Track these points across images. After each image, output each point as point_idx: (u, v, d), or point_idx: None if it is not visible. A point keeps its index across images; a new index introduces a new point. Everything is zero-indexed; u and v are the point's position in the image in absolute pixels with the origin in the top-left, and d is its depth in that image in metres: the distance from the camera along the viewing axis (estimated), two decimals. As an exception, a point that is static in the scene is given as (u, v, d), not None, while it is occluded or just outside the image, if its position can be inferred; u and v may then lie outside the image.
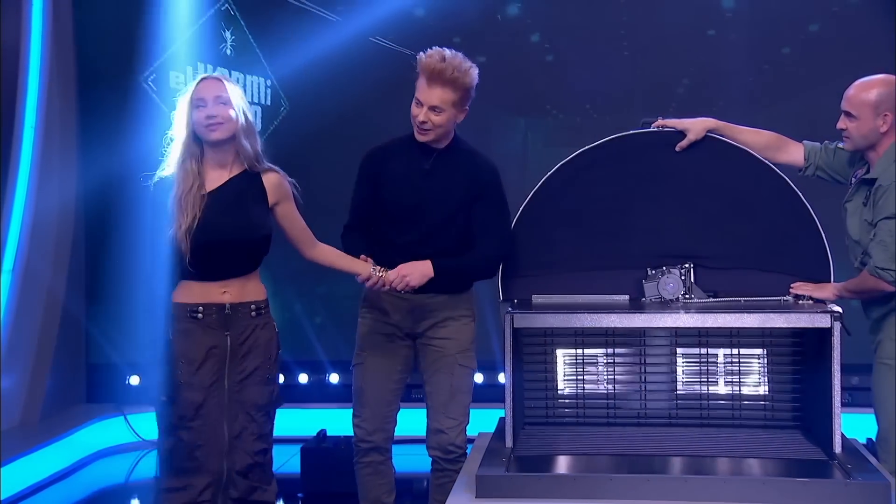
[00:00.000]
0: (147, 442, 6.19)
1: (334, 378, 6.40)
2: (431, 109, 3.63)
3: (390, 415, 3.87)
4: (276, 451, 4.37)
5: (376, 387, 3.83)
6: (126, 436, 6.26)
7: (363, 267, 3.62)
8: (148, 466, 5.94)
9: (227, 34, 6.32)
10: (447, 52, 3.65)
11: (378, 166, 3.77)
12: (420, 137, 3.70)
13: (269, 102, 6.42)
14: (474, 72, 3.68)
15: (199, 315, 3.41)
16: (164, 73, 6.18)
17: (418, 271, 3.61)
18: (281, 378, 6.31)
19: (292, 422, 6.10)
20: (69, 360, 6.24)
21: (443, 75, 3.59)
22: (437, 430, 3.82)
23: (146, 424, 6.24)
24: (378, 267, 3.61)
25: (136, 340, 5.88)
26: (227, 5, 6.33)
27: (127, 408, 6.32)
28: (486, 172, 3.77)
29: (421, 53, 3.66)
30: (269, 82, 6.41)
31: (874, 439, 3.72)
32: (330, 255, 3.66)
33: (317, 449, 5.35)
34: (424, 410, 3.97)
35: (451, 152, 3.76)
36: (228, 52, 6.31)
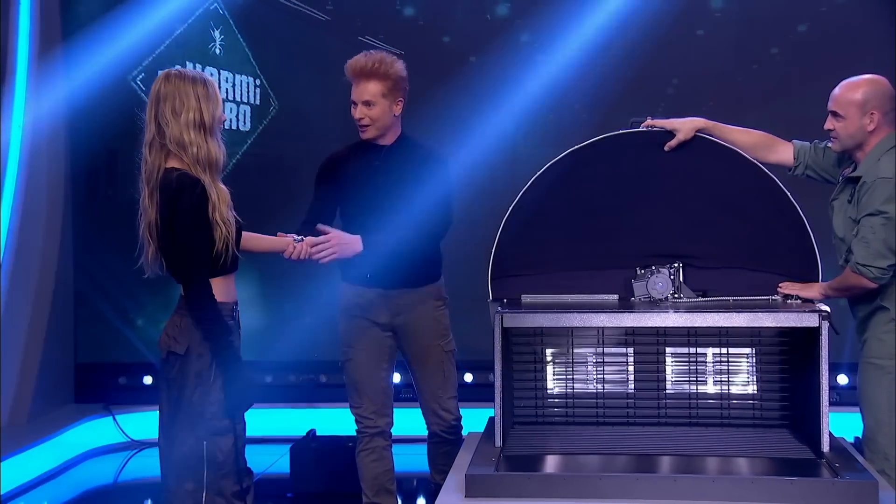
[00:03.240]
0: (136, 442, 6.18)
1: (324, 378, 6.38)
2: (365, 105, 3.84)
3: (387, 401, 4.03)
4: (266, 450, 4.39)
5: (368, 378, 3.98)
6: (115, 436, 6.25)
7: (284, 243, 3.66)
8: (137, 467, 5.93)
9: (217, 33, 6.31)
10: (367, 52, 3.90)
11: (334, 171, 3.96)
12: (363, 135, 3.91)
13: (258, 102, 6.41)
14: (399, 63, 3.90)
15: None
16: (152, 72, 6.16)
17: (349, 246, 3.74)
18: (270, 378, 6.36)
19: (282, 421, 6.10)
20: (57, 360, 6.22)
21: (365, 69, 3.83)
22: (436, 412, 4.05)
23: (135, 424, 6.23)
24: (297, 236, 3.68)
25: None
26: (216, 4, 6.32)
27: (116, 408, 6.30)
28: (432, 160, 3.97)
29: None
30: (258, 82, 6.40)
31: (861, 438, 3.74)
32: (251, 240, 3.60)
33: (306, 448, 5.34)
34: (420, 410, 4.12)
35: (398, 147, 3.95)
36: (218, 51, 6.30)
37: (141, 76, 6.19)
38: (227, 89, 6.25)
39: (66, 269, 6.26)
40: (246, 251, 3.52)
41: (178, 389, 3.26)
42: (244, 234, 3.52)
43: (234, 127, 6.26)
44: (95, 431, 6.22)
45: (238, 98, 6.29)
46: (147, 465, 5.82)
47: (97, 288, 6.25)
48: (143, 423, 6.10)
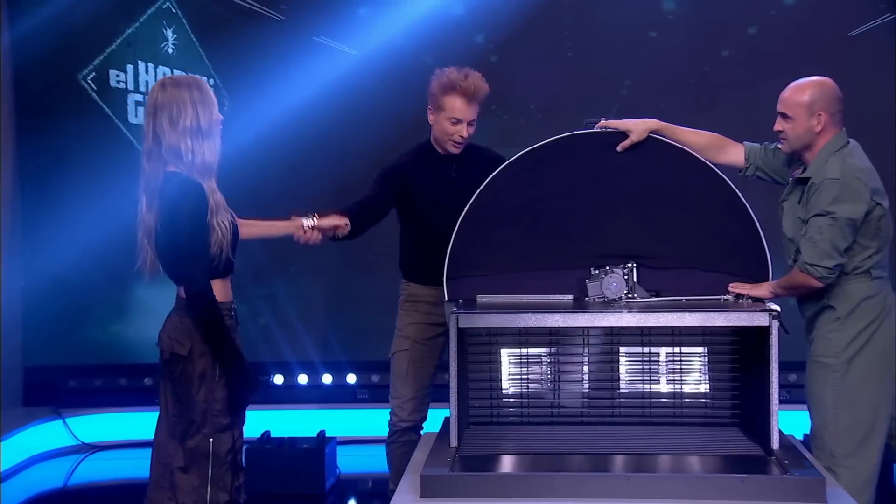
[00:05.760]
0: (86, 445, 6.10)
1: (279, 379, 6.33)
2: (470, 125, 4.01)
3: (427, 397, 4.24)
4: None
5: (420, 372, 4.17)
6: (64, 439, 6.16)
7: (294, 226, 3.70)
8: (88, 470, 5.85)
9: (169, 32, 6.24)
10: (466, 70, 4.01)
11: (404, 182, 4.09)
12: (455, 151, 4.06)
13: (211, 101, 6.36)
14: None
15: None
16: (103, 71, 6.08)
17: None
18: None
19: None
20: (6, 363, 6.12)
21: (479, 94, 3.99)
22: None
23: (85, 428, 6.15)
24: (307, 221, 3.70)
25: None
26: (168, 3, 6.25)
27: (66, 411, 6.22)
28: (496, 160, 4.00)
29: (445, 75, 3.97)
30: (211, 81, 6.34)
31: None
32: (257, 228, 3.64)
33: (260, 450, 5.30)
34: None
35: (466, 155, 4.10)
36: (170, 50, 6.24)
37: (92, 75, 6.11)
38: (179, 88, 6.18)
39: (14, 270, 6.15)
40: (254, 239, 3.59)
41: (184, 389, 3.31)
42: (248, 221, 3.58)
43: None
44: (45, 435, 6.13)
45: (191, 97, 6.23)
46: (98, 469, 5.75)
47: (46, 289, 6.15)
48: (94, 426, 6.03)
